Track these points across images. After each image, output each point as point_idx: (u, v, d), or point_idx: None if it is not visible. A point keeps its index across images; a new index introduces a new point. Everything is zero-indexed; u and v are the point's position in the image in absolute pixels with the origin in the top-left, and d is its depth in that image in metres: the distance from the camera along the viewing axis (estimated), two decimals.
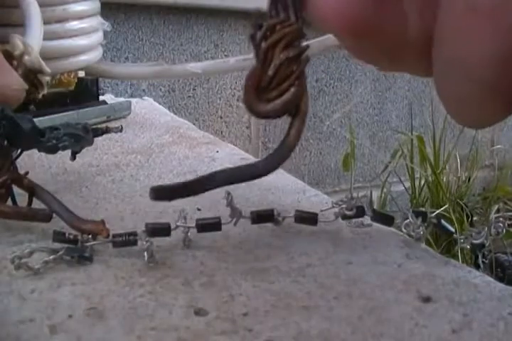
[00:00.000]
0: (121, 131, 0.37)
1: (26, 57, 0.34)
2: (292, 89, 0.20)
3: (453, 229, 0.28)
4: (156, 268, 0.25)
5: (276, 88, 0.20)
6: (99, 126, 0.38)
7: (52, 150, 0.32)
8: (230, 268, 0.25)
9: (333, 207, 0.27)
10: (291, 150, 0.21)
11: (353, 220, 0.28)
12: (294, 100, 0.20)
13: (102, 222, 0.26)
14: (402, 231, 0.27)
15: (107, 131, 0.36)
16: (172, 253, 0.26)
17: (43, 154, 0.40)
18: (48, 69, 0.35)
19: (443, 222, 0.28)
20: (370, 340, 0.20)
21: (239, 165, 0.23)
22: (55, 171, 0.38)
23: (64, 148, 0.32)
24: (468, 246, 0.27)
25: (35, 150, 0.38)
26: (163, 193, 0.23)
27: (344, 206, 0.27)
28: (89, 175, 0.38)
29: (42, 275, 0.24)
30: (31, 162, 0.40)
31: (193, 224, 0.26)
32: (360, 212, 0.27)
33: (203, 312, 0.21)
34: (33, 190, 0.29)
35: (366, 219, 0.28)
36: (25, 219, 0.28)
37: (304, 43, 0.20)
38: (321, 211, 0.27)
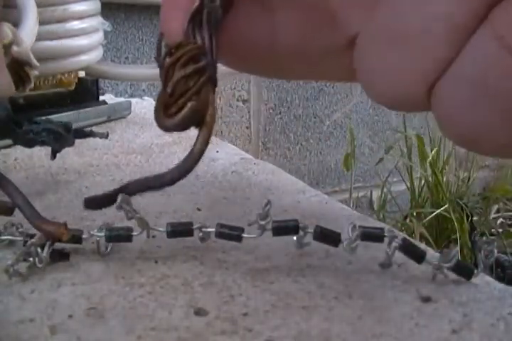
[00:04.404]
0: (106, 137, 0.37)
1: (15, 48, 0.33)
2: (189, 105, 0.21)
3: (424, 251, 0.24)
4: (156, 268, 0.25)
5: (174, 104, 0.21)
6: (84, 129, 0.37)
7: (29, 143, 0.31)
8: (230, 268, 0.25)
9: (259, 220, 0.24)
10: (197, 161, 0.22)
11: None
12: (191, 115, 0.21)
13: (65, 224, 0.25)
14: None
15: (91, 134, 0.35)
16: (172, 254, 0.26)
17: (43, 154, 0.40)
18: (36, 63, 0.34)
19: (411, 242, 0.24)
20: (370, 340, 0.20)
21: (149, 175, 0.23)
22: (55, 171, 0.38)
23: (42, 144, 0.31)
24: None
25: (35, 150, 0.38)
26: (93, 203, 0.24)
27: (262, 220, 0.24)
28: (89, 175, 0.38)
29: (42, 275, 0.24)
30: (31, 162, 0.40)
31: (111, 235, 0.25)
32: (288, 229, 0.24)
33: (203, 312, 0.22)
34: None
35: (305, 236, 0.24)
36: None
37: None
38: (248, 225, 0.24)
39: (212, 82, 0.21)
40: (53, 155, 0.33)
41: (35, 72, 0.34)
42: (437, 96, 0.18)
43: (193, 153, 0.22)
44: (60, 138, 0.31)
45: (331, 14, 0.20)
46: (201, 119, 0.21)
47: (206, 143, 0.22)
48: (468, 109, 0.18)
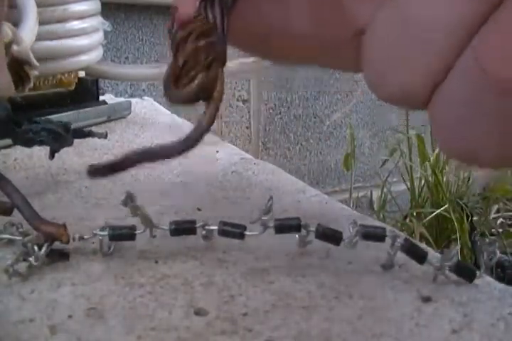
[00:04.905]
0: (105, 137, 0.36)
1: (15, 47, 0.33)
2: (199, 77, 0.21)
3: (425, 252, 0.24)
4: (156, 268, 0.25)
5: (185, 76, 0.21)
6: (84, 129, 0.38)
7: (28, 143, 0.31)
8: (230, 268, 0.25)
9: (261, 218, 0.25)
10: (203, 134, 0.22)
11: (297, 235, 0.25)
12: (200, 89, 0.21)
13: (64, 225, 0.25)
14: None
15: (89, 134, 0.35)
16: (172, 254, 0.26)
17: (42, 154, 0.40)
18: (36, 63, 0.34)
19: (413, 243, 0.24)
20: (370, 340, 0.20)
21: (154, 146, 0.23)
22: (55, 171, 0.38)
23: (41, 143, 0.32)
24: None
25: (35, 150, 0.38)
26: (97, 171, 0.24)
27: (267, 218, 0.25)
28: None
29: (42, 275, 0.24)
30: (31, 162, 0.40)
31: (114, 234, 0.25)
32: (291, 227, 0.25)
33: (203, 312, 0.21)
34: None
35: (308, 234, 0.25)
36: None
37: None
38: (251, 223, 0.25)
39: (222, 59, 0.21)
40: (52, 155, 0.33)
41: (35, 72, 0.34)
42: (433, 112, 0.18)
43: (200, 125, 0.22)
44: (59, 138, 0.31)
45: (339, 6, 0.20)
46: (209, 95, 0.22)
47: (213, 117, 0.22)
48: (463, 126, 0.18)
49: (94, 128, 0.46)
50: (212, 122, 0.22)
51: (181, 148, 0.23)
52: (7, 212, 0.26)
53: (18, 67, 0.33)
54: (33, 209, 0.26)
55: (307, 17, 0.21)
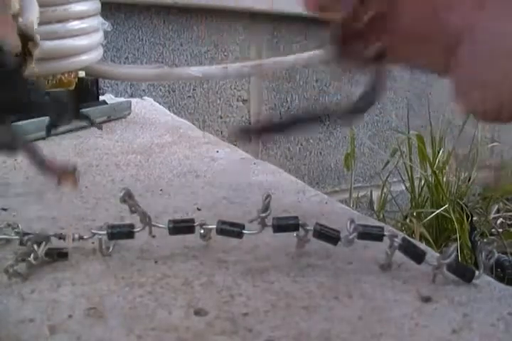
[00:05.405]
0: (101, 128, 0.37)
1: (20, 19, 0.33)
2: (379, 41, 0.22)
3: (423, 251, 0.24)
4: (156, 268, 0.25)
5: (364, 38, 0.22)
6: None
7: (29, 108, 0.32)
8: (230, 268, 0.25)
9: (259, 216, 0.25)
10: (377, 96, 0.23)
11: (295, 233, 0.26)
12: (380, 52, 0.22)
13: (74, 168, 0.25)
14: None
15: (91, 121, 0.35)
16: (172, 254, 0.26)
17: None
18: (38, 39, 0.34)
19: (411, 242, 0.25)
20: (370, 340, 0.20)
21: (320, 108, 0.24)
22: None
23: (41, 111, 0.31)
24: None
25: None
26: (247, 133, 0.24)
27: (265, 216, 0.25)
28: (89, 175, 0.38)
29: (42, 275, 0.24)
30: None
31: (113, 232, 0.25)
32: (289, 226, 0.25)
33: (203, 312, 0.21)
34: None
35: (307, 233, 0.25)
36: None
37: None
38: (249, 222, 0.25)
39: None
40: (48, 131, 0.33)
41: (37, 51, 0.34)
42: None
43: (373, 90, 0.23)
44: (60, 107, 0.32)
45: (437, 17, 0.20)
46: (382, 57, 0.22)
47: (385, 79, 0.23)
48: None
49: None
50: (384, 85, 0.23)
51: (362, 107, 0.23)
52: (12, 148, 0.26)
53: (23, 45, 0.33)
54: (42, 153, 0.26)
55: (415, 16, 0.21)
